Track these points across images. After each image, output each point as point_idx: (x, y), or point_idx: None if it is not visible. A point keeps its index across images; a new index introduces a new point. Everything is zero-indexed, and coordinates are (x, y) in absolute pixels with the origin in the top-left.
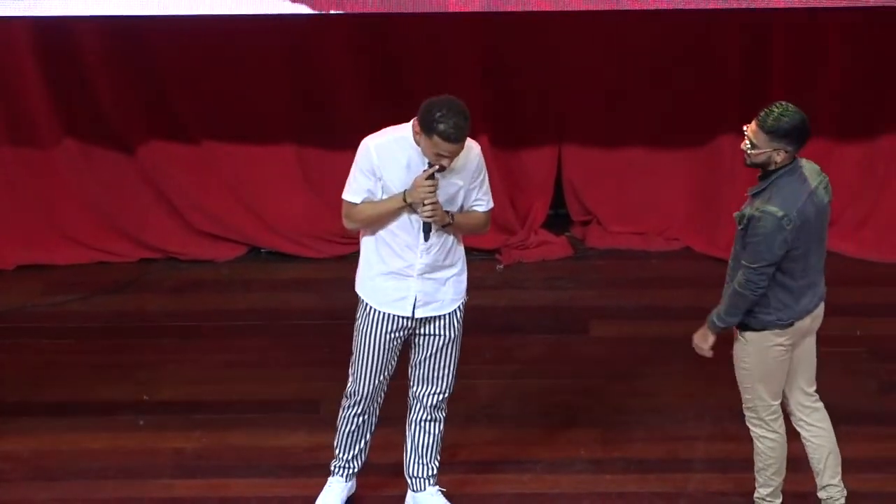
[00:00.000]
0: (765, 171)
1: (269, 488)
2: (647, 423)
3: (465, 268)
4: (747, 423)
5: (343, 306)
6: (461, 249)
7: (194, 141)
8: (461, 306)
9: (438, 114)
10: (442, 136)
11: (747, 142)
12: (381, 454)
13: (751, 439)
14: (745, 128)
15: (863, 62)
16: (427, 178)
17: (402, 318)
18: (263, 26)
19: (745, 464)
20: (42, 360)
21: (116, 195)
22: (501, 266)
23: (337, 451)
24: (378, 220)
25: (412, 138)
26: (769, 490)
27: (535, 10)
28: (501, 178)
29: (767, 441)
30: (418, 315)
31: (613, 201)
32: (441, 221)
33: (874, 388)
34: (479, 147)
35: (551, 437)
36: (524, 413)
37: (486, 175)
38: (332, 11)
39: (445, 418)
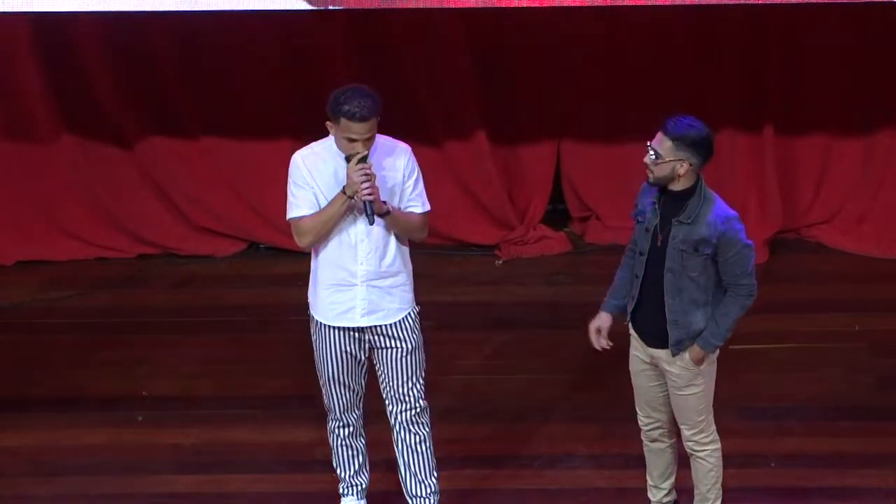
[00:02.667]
0: (673, 194)
1: (268, 484)
2: None
3: (412, 279)
4: (698, 449)
5: None
6: (407, 259)
7: (193, 137)
8: (413, 315)
9: (342, 97)
10: (347, 116)
11: (652, 153)
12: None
13: (752, 434)
14: (648, 143)
15: (862, 57)
16: (357, 164)
17: (352, 330)
18: (262, 22)
19: (745, 459)
20: (41, 356)
21: (115, 191)
22: (500, 261)
23: (339, 473)
24: (326, 224)
25: (335, 146)
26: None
27: (532, 5)
28: (500, 173)
29: (718, 450)
30: (364, 324)
31: (612, 197)
32: (379, 204)
33: (873, 384)
34: (409, 149)
35: (551, 433)
36: (523, 409)
37: (420, 178)
38: (330, 7)
39: (429, 433)
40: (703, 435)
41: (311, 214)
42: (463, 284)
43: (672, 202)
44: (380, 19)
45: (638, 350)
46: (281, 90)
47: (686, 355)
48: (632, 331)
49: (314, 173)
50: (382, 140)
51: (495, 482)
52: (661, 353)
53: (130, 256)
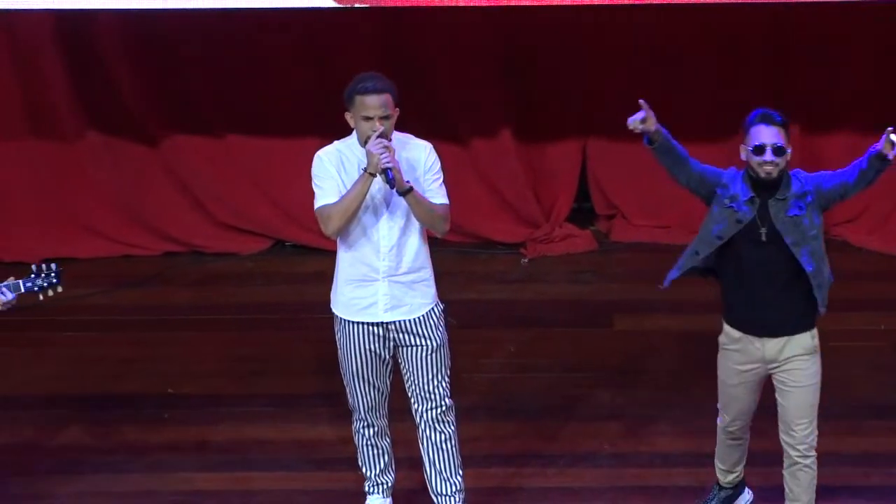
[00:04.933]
0: (769, 183)
1: (292, 481)
2: (671, 416)
3: (433, 277)
4: (809, 454)
5: None
6: (427, 257)
7: (218, 135)
8: (437, 312)
9: (354, 81)
10: (361, 92)
11: (781, 149)
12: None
13: (776, 432)
14: (766, 143)
15: (889, 55)
16: (376, 140)
17: (376, 326)
18: (287, 19)
19: (770, 457)
20: (66, 354)
21: (140, 188)
22: (526, 259)
23: (364, 471)
24: (350, 205)
25: (357, 142)
26: None
27: (556, 3)
28: (526, 171)
29: None
30: (387, 318)
31: (638, 195)
32: (401, 178)
33: None
34: (430, 146)
35: (575, 431)
36: (547, 406)
37: (441, 174)
38: (357, 5)
39: (455, 431)
40: (814, 435)
41: (336, 200)
42: (488, 282)
43: (767, 193)
44: (405, 17)
45: (745, 357)
46: (306, 88)
47: (805, 338)
48: (738, 335)
49: (337, 167)
50: (403, 136)
51: (520, 480)
52: (783, 342)
53: (156, 254)
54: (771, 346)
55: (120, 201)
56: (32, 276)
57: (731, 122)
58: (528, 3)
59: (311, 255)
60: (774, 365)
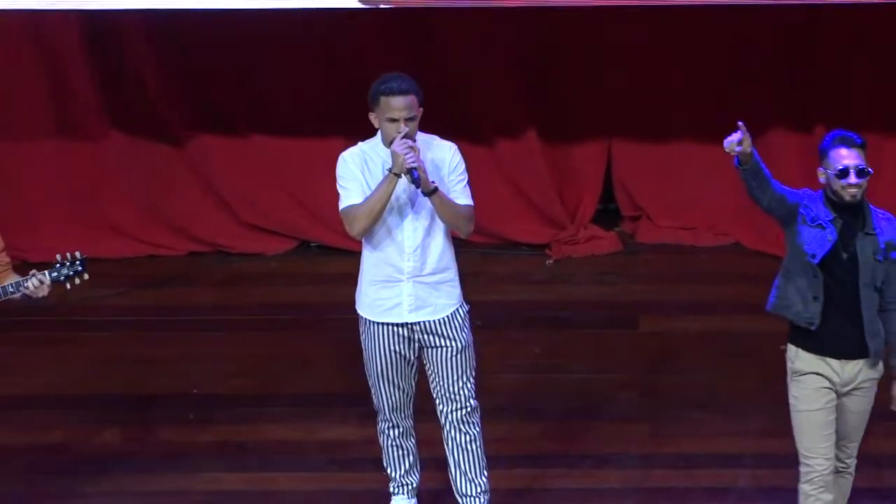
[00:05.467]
0: (851, 206)
1: (315, 482)
2: (697, 418)
3: (459, 278)
4: (850, 463)
5: None
6: (452, 258)
7: (243, 135)
8: (462, 313)
9: (378, 81)
10: (385, 93)
11: (863, 170)
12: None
13: None
14: (849, 165)
15: None
16: (401, 139)
17: (400, 327)
18: (311, 19)
19: (797, 459)
20: (92, 354)
21: (165, 188)
22: (551, 260)
23: (389, 472)
24: (375, 206)
25: (381, 143)
26: None
27: (581, 4)
28: (551, 172)
29: None
30: (412, 319)
31: (663, 196)
32: (426, 179)
33: None
34: (456, 147)
35: (600, 432)
36: (572, 408)
37: (466, 175)
38: (382, 6)
39: (480, 432)
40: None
41: (361, 201)
42: (513, 284)
43: (849, 215)
44: (429, 17)
45: (823, 377)
46: (330, 88)
47: (878, 363)
48: (812, 357)
49: (362, 168)
50: (428, 136)
51: (545, 481)
52: (860, 364)
53: (181, 254)
54: (849, 370)
55: (145, 201)
56: (57, 265)
57: (757, 122)
58: (552, 4)
59: (335, 255)
60: (848, 388)
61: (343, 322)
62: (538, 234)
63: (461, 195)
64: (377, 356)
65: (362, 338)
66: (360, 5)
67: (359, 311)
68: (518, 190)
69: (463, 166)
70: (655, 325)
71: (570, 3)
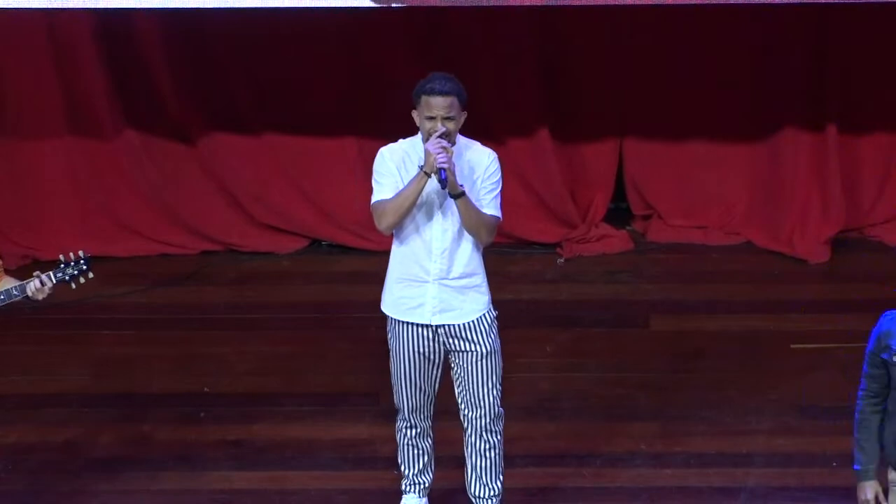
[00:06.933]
0: None
1: (329, 480)
2: (708, 417)
3: (487, 284)
4: None
5: None
6: (481, 263)
7: (255, 133)
8: (489, 318)
9: (424, 80)
10: (427, 92)
11: None
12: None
13: (814, 433)
14: None
15: None
16: (435, 139)
17: (424, 328)
18: (323, 19)
19: (807, 458)
20: (103, 352)
21: (177, 187)
22: (562, 259)
23: (403, 469)
24: (404, 203)
25: (421, 142)
26: None
27: (594, 3)
28: (562, 171)
29: None
30: (436, 321)
31: (674, 195)
32: (454, 181)
33: None
34: (496, 156)
35: (611, 432)
36: (584, 407)
37: (500, 186)
38: (394, 5)
39: (501, 440)
40: None
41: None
42: (524, 282)
43: None
44: (441, 17)
45: None
46: (343, 87)
47: None
48: None
49: (398, 165)
50: (469, 141)
51: (556, 480)
52: None
53: (193, 253)
54: None
55: (157, 200)
56: (62, 265)
57: (769, 121)
58: (565, 3)
59: (348, 254)
60: None
61: (355, 321)
62: (550, 233)
63: (490, 205)
64: (401, 356)
65: (388, 337)
66: (372, 4)
67: (384, 310)
68: (530, 189)
69: (498, 176)
70: (667, 324)
71: (582, 1)
